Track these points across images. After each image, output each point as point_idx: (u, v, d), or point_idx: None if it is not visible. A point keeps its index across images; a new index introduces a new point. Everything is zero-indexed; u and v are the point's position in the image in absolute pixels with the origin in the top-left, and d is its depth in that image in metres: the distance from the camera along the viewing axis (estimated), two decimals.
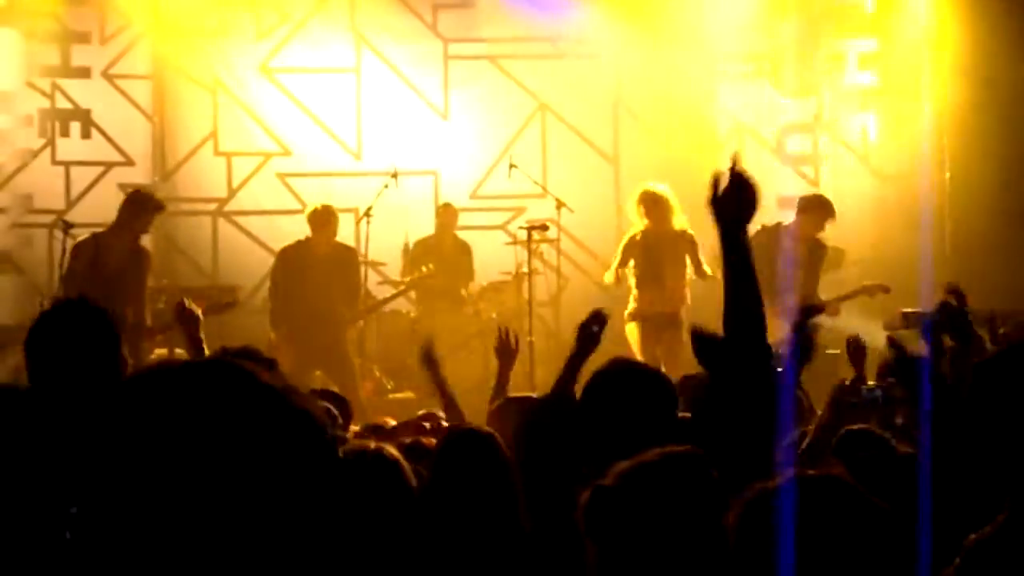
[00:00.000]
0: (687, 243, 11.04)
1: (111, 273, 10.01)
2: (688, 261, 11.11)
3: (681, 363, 9.68)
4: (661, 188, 11.19)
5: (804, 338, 4.62)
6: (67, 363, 3.69)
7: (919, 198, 12.47)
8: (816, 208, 11.40)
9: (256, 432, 1.62)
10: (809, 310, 4.83)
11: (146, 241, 10.77)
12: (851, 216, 13.76)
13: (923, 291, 10.37)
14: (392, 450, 3.79)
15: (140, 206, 10.29)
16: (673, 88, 14.14)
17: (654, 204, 11.11)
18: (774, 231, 11.35)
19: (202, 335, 6.00)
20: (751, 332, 3.89)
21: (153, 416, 1.61)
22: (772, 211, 13.69)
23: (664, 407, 3.98)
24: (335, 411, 5.70)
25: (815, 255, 11.33)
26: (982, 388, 3.30)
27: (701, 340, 4.03)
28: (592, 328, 5.64)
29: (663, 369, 8.21)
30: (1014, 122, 12.58)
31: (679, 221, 11.03)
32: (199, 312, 6.02)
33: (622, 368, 4.15)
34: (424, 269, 11.94)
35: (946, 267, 12.31)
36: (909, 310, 10.34)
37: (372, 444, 3.84)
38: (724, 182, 3.90)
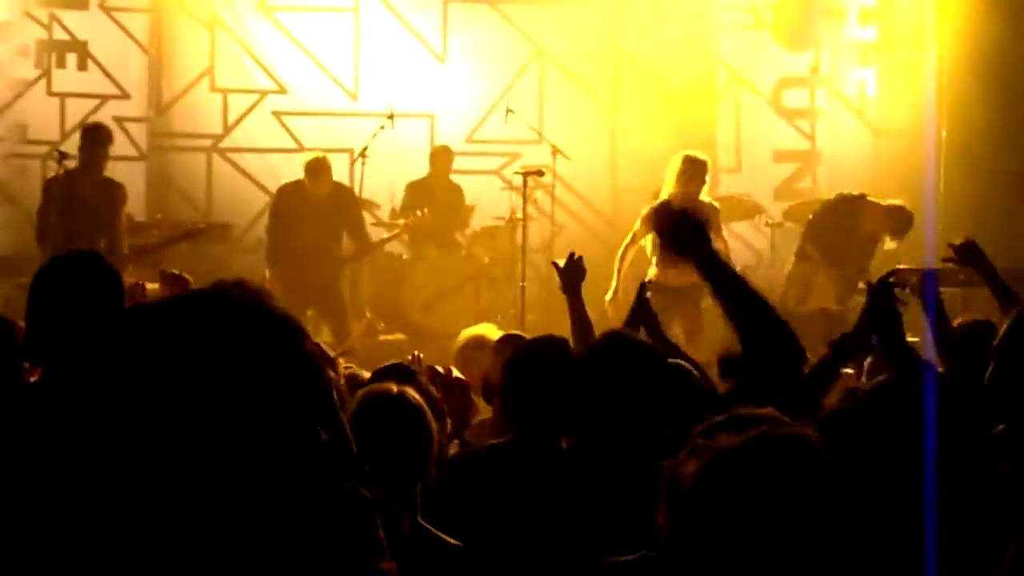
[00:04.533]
0: (714, 212, 10.19)
1: (84, 205, 10.13)
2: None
3: (702, 336, 9.63)
4: (703, 156, 10.33)
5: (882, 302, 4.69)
6: (70, 309, 3.69)
7: (916, 155, 12.44)
8: (900, 220, 11.24)
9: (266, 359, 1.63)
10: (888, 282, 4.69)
11: (126, 175, 10.83)
12: (846, 172, 13.75)
13: (923, 248, 10.38)
14: (414, 394, 3.73)
15: (95, 139, 10.34)
16: (672, 36, 14.10)
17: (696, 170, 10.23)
18: (854, 204, 11.25)
19: None
20: (771, 335, 3.94)
21: (163, 344, 1.61)
22: (767, 165, 13.67)
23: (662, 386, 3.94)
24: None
25: (871, 247, 11.24)
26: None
27: (730, 364, 4.15)
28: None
29: (683, 342, 8.12)
30: (1013, 81, 12.54)
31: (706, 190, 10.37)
32: None
33: (617, 342, 4.08)
34: (419, 213, 11.90)
35: (940, 224, 12.31)
36: (903, 267, 10.33)
37: (394, 388, 3.77)
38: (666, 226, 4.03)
